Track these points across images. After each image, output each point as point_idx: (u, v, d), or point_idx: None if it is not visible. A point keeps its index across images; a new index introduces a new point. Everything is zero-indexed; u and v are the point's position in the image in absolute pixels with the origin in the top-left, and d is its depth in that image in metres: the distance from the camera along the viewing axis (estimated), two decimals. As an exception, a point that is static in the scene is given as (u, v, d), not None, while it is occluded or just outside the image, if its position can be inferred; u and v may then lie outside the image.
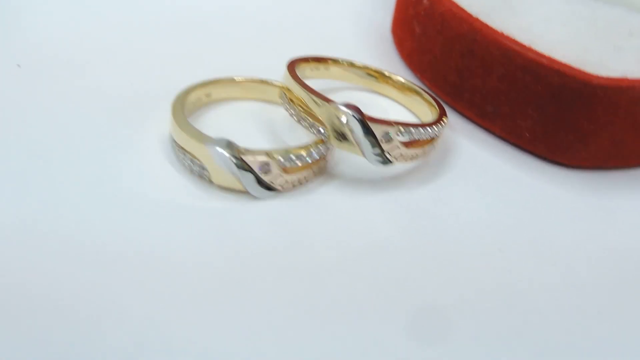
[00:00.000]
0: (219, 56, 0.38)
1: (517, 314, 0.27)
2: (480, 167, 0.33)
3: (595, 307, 0.27)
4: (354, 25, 0.43)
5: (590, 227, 0.31)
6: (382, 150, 0.30)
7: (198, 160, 0.29)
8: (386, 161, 0.30)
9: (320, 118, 0.30)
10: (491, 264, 0.28)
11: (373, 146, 0.30)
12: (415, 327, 0.26)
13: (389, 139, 0.30)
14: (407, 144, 0.30)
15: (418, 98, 0.35)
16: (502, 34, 0.33)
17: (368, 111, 0.30)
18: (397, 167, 0.32)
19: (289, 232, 0.29)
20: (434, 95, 0.35)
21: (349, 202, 0.30)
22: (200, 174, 0.30)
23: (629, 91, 0.31)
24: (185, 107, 0.31)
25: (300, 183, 0.30)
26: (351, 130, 0.29)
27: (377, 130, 0.30)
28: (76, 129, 0.32)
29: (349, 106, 0.30)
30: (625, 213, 0.32)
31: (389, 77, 0.36)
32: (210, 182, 0.30)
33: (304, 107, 0.31)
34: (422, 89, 0.35)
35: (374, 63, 0.37)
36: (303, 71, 0.34)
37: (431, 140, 0.32)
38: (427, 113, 0.34)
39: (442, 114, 0.33)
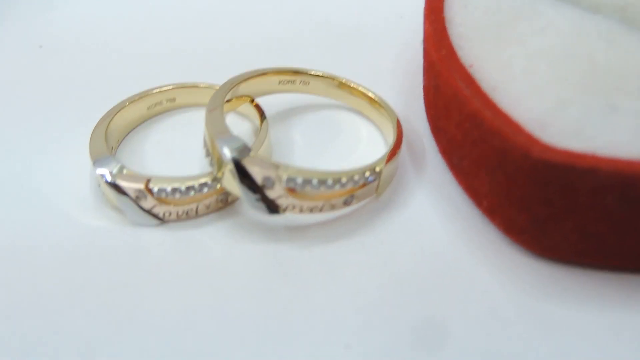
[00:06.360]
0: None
1: None
2: (414, 235, 0.26)
3: None
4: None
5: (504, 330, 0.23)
6: (265, 197, 0.26)
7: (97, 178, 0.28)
8: (272, 210, 0.26)
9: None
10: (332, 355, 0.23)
11: (252, 191, 0.26)
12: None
13: (271, 185, 0.25)
14: (294, 193, 0.26)
15: (385, 113, 0.30)
16: (461, 69, 0.25)
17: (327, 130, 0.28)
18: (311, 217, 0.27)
19: (134, 264, 0.26)
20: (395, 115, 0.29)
21: (219, 247, 0.26)
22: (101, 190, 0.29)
23: (588, 175, 0.22)
24: (119, 116, 0.30)
25: (187, 215, 0.27)
26: (230, 170, 0.26)
27: (257, 173, 0.25)
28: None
29: (232, 141, 0.26)
30: (565, 326, 0.23)
31: (355, 88, 0.31)
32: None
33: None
34: (386, 104, 0.30)
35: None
36: (266, 85, 0.31)
37: (348, 192, 0.26)
38: (390, 135, 0.29)
39: (391, 154, 0.27)
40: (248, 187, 0.25)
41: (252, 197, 0.26)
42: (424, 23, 0.28)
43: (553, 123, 0.23)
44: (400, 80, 0.33)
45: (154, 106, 0.32)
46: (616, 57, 0.24)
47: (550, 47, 0.25)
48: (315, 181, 0.25)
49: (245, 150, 0.26)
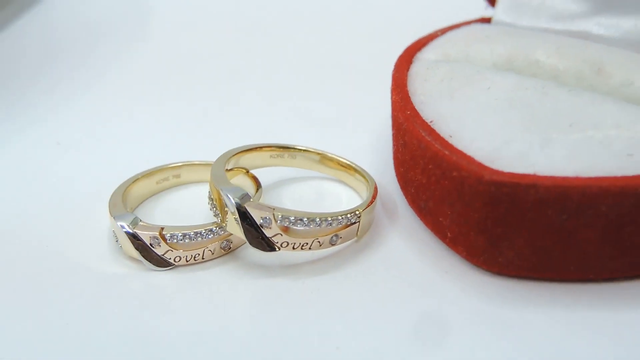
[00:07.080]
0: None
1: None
2: (391, 266, 0.31)
3: None
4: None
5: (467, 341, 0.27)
6: (263, 236, 0.30)
7: (114, 232, 0.33)
8: (268, 247, 0.30)
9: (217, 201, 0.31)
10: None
11: (252, 231, 0.30)
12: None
13: (268, 225, 0.30)
14: (287, 231, 0.30)
15: (362, 179, 0.35)
16: (423, 123, 0.31)
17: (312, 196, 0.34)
18: (305, 255, 0.32)
19: (150, 305, 0.30)
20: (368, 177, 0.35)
21: (224, 283, 0.31)
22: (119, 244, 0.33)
23: (531, 190, 0.27)
24: (132, 187, 0.35)
25: (195, 259, 0.32)
26: (233, 214, 0.30)
27: (256, 214, 0.30)
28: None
29: (233, 190, 0.30)
30: (526, 330, 0.28)
31: (334, 159, 0.36)
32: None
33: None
34: (363, 170, 0.35)
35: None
36: (259, 158, 0.36)
37: (333, 231, 0.31)
38: (364, 194, 0.34)
39: (369, 203, 0.32)
40: (249, 227, 0.30)
41: (253, 236, 0.30)
42: (391, 96, 0.34)
43: (500, 156, 0.29)
44: (374, 156, 0.39)
45: (162, 181, 0.36)
46: (550, 104, 0.30)
47: (495, 101, 0.31)
48: (305, 219, 0.30)
49: (246, 197, 0.30)
